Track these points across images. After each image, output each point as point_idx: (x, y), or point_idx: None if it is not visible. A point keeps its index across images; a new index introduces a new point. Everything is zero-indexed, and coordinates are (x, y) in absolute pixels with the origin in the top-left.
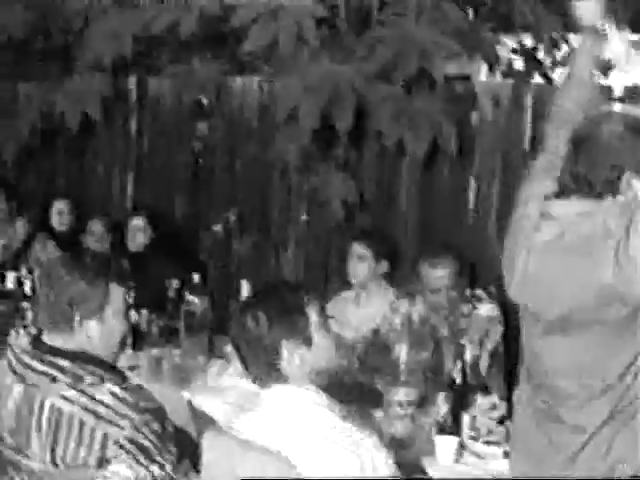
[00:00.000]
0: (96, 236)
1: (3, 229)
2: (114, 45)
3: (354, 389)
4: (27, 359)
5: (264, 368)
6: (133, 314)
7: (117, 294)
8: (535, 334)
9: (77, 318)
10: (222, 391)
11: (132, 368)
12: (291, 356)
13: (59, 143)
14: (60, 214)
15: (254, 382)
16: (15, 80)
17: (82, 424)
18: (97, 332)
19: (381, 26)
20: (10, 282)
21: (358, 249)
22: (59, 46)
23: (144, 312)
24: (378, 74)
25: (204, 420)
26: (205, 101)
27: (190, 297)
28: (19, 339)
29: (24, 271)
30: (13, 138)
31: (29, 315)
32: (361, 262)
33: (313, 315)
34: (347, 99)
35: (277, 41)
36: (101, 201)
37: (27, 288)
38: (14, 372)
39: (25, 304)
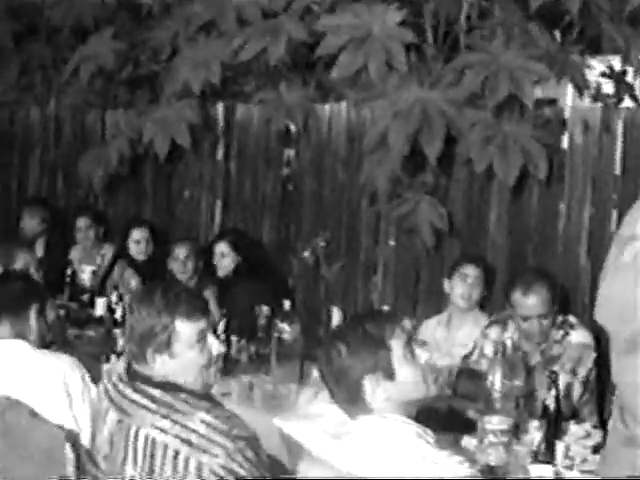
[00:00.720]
0: (180, 261)
1: (92, 256)
2: (203, 73)
3: (446, 417)
4: (122, 386)
5: (348, 400)
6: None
7: (183, 329)
8: (614, 355)
9: (149, 352)
10: (313, 419)
11: (223, 395)
12: (374, 391)
13: (147, 170)
14: (138, 243)
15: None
16: (104, 109)
17: (176, 453)
18: (171, 366)
19: (469, 51)
20: (100, 308)
21: (474, 271)
22: (147, 75)
23: (234, 339)
24: (467, 99)
25: (295, 448)
26: (293, 127)
27: (281, 324)
28: (115, 366)
29: (114, 297)
30: (102, 166)
31: (120, 342)
32: (476, 286)
33: (398, 349)
34: (436, 125)
35: (366, 67)
36: (189, 228)
37: (118, 314)
38: (110, 399)
39: (116, 330)
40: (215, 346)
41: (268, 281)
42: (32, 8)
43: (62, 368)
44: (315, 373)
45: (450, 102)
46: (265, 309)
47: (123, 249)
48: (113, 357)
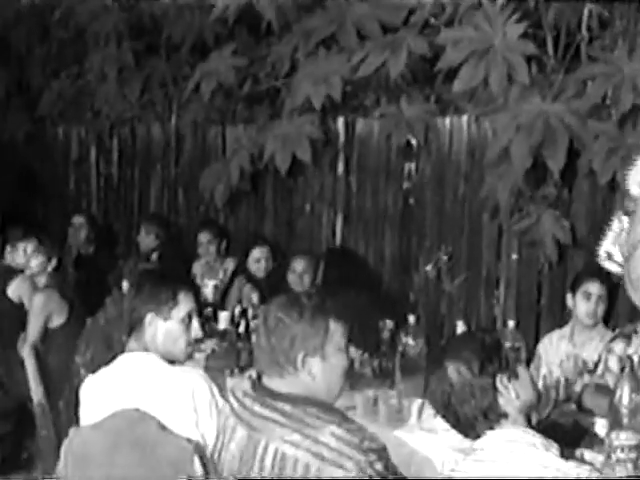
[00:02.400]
0: (297, 274)
1: (214, 270)
2: (323, 88)
3: (571, 432)
4: (249, 403)
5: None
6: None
7: (337, 330)
8: None
9: (300, 357)
10: (438, 433)
11: (347, 409)
12: (508, 391)
13: (268, 185)
14: (258, 261)
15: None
16: (224, 124)
17: (307, 467)
18: (320, 370)
19: (591, 61)
20: (223, 322)
21: (598, 288)
22: (267, 90)
23: (357, 352)
24: (590, 111)
25: (419, 461)
26: (413, 141)
27: (406, 338)
28: (241, 382)
29: (237, 311)
30: (223, 181)
31: (244, 356)
32: (601, 302)
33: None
34: (559, 137)
35: (486, 80)
36: (310, 242)
37: (241, 328)
38: (236, 416)
39: (240, 344)
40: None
41: (388, 295)
42: (152, 26)
43: (191, 382)
44: None
45: (573, 114)
46: (389, 323)
47: (243, 265)
48: (236, 371)
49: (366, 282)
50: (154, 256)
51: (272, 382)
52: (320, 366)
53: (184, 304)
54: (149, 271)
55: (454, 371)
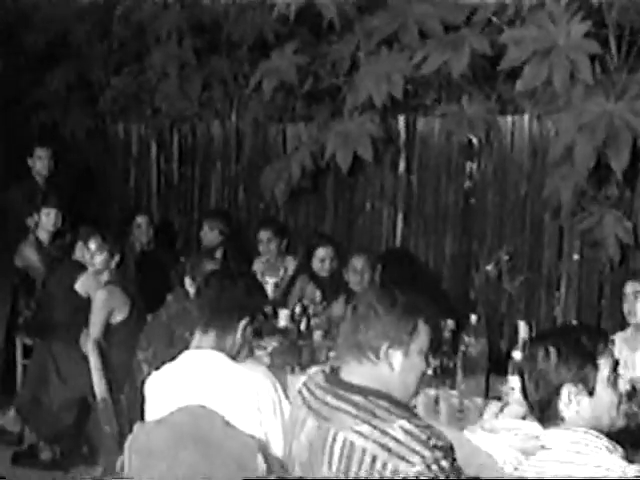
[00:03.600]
0: (357, 272)
1: (275, 268)
2: (385, 86)
3: (636, 435)
4: (321, 394)
5: (541, 403)
6: None
7: (424, 332)
8: None
9: (384, 347)
10: (499, 432)
11: None
12: (570, 401)
13: (328, 183)
14: (322, 261)
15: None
16: (285, 122)
17: (374, 458)
18: (400, 365)
19: None
20: (284, 320)
21: None
22: (327, 88)
23: None
24: None
25: (487, 461)
26: (475, 140)
27: (468, 338)
28: (315, 376)
29: (298, 309)
30: (284, 178)
31: (305, 353)
32: None
33: (604, 369)
34: (623, 137)
35: (550, 79)
36: (370, 240)
37: (302, 326)
38: (308, 407)
39: (301, 342)
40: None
41: (449, 294)
42: (213, 25)
43: (256, 380)
44: (502, 386)
45: (636, 114)
46: (450, 322)
47: (306, 265)
48: (297, 368)
49: (425, 283)
50: (218, 253)
51: (348, 371)
52: (401, 361)
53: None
54: (218, 270)
55: (544, 354)
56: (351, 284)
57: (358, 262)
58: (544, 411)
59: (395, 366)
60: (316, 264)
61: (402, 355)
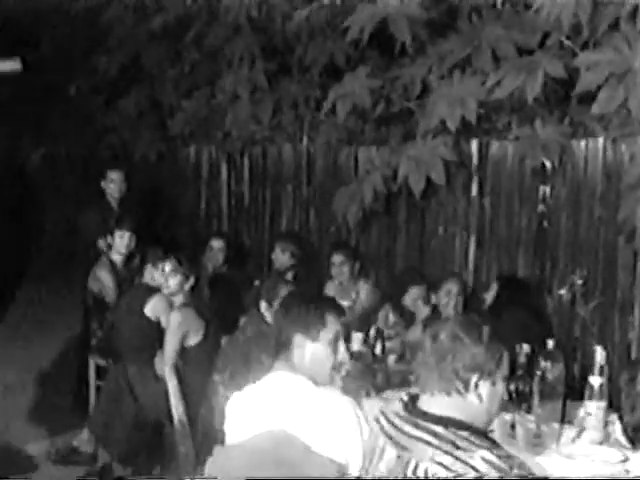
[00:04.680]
0: (452, 295)
1: (347, 291)
2: (458, 110)
3: None
4: (400, 423)
5: (637, 425)
6: None
7: (506, 359)
8: None
9: (474, 379)
10: (577, 459)
11: None
12: None
13: (400, 206)
14: (415, 300)
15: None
16: (356, 145)
17: None
18: (487, 393)
19: None
20: (356, 343)
21: None
22: (399, 111)
23: None
24: None
25: None
26: (548, 164)
27: (544, 363)
28: (392, 403)
29: (373, 332)
30: (356, 202)
31: (380, 377)
32: None
33: None
34: None
35: (625, 103)
36: (442, 264)
37: (377, 349)
38: (387, 435)
39: (376, 365)
40: None
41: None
42: (285, 48)
43: (338, 406)
44: (579, 412)
45: None
46: (525, 347)
47: (397, 300)
48: (372, 392)
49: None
50: (289, 275)
51: (431, 401)
52: (489, 390)
53: (331, 325)
54: (296, 292)
55: None
56: (441, 307)
57: (453, 286)
58: (638, 432)
59: (484, 397)
60: (409, 302)
61: (490, 385)
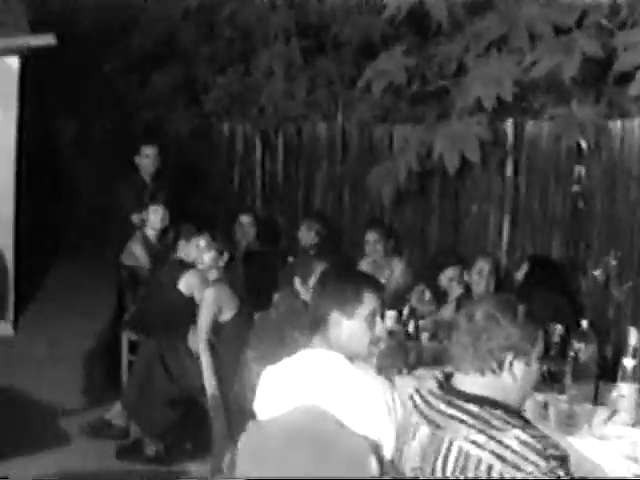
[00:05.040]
0: (484, 276)
1: (381, 269)
2: (494, 89)
3: None
4: (434, 401)
5: None
6: None
7: (541, 339)
8: None
9: (509, 358)
10: (609, 439)
11: None
12: None
13: (435, 185)
14: (451, 280)
15: None
16: (391, 123)
17: (490, 468)
18: (521, 372)
19: None
20: (389, 321)
21: None
22: (434, 90)
23: None
24: None
25: (596, 469)
26: (583, 144)
27: (578, 344)
28: (423, 381)
29: (406, 310)
30: (390, 180)
31: (412, 355)
32: None
33: None
34: None
35: None
36: (476, 244)
37: (410, 328)
38: (421, 413)
39: (409, 344)
40: None
41: (557, 298)
42: (320, 25)
43: (372, 385)
44: (611, 394)
45: None
46: (559, 327)
47: (431, 278)
48: (405, 370)
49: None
50: (311, 253)
51: (463, 379)
52: (523, 370)
53: (368, 302)
54: (332, 269)
55: None
56: (474, 286)
57: (485, 264)
58: None
59: (518, 376)
60: (445, 282)
61: (524, 365)
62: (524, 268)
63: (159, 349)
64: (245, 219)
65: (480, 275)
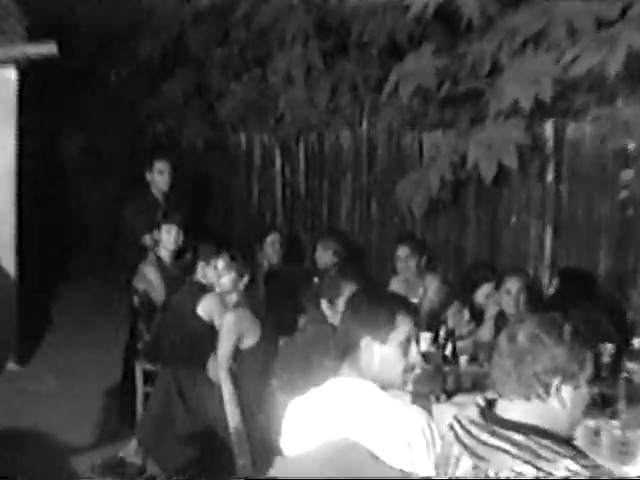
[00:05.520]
0: (513, 295)
1: (414, 287)
2: (532, 89)
3: None
4: (476, 431)
5: None
6: None
7: (590, 360)
8: None
9: (555, 382)
10: None
11: None
12: None
13: (469, 195)
14: (487, 297)
15: None
16: (421, 129)
17: None
18: (570, 397)
19: None
20: (424, 344)
21: None
22: (467, 92)
23: None
24: None
25: None
26: (631, 146)
27: (630, 364)
28: (463, 409)
29: (443, 332)
30: (421, 191)
31: (450, 380)
32: None
33: None
34: None
35: None
36: (516, 257)
37: (448, 351)
38: (462, 445)
39: (446, 368)
40: None
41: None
42: (341, 26)
43: (408, 416)
44: None
45: None
46: (610, 347)
47: (466, 296)
48: (443, 397)
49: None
50: (333, 273)
51: (506, 406)
52: (571, 395)
53: (402, 326)
54: (363, 290)
55: None
56: (505, 307)
57: (514, 285)
58: None
59: (567, 401)
60: (480, 299)
61: (572, 389)
62: (555, 283)
63: (176, 379)
64: (273, 238)
65: (509, 294)
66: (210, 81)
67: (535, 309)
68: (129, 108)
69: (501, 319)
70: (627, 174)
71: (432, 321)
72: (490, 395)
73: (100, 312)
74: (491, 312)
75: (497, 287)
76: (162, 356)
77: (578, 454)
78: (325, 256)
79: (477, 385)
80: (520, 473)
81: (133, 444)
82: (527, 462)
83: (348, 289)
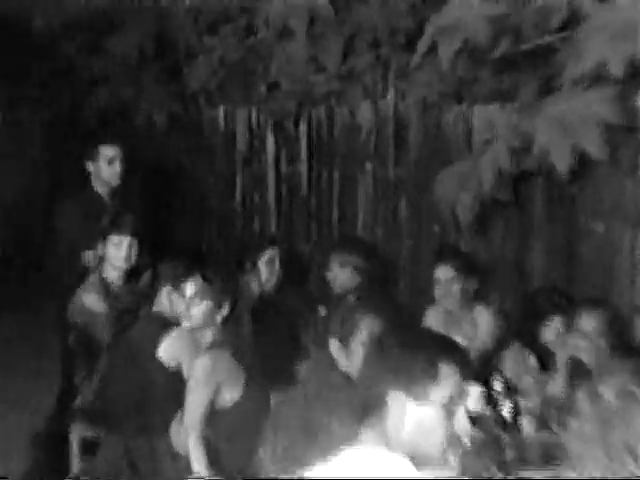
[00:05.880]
0: (589, 339)
1: (458, 321)
2: (625, 48)
3: None
4: None
5: None
6: None
7: None
8: None
9: None
10: None
11: None
12: None
13: (536, 192)
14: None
15: None
16: (469, 103)
17: None
18: None
19: None
20: (473, 401)
21: None
22: (534, 51)
23: None
24: None
25: None
26: None
27: None
28: None
29: (498, 385)
30: (470, 187)
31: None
32: None
33: None
34: None
35: None
36: (601, 278)
37: (505, 410)
38: None
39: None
40: None
41: None
42: None
43: None
44: None
45: None
46: None
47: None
48: (500, 475)
49: None
50: (352, 301)
51: None
52: None
53: (446, 379)
54: (390, 327)
55: None
56: (580, 352)
57: (589, 321)
58: None
59: None
60: (549, 337)
61: None
62: None
63: (127, 450)
64: (271, 256)
65: (584, 337)
66: (176, 34)
67: (627, 356)
68: (62, 71)
69: (579, 367)
70: None
71: (483, 369)
72: (565, 472)
73: (22, 356)
74: (564, 357)
75: (570, 324)
76: (107, 417)
77: None
78: (342, 276)
79: (549, 459)
80: None
81: None
82: None
83: (367, 324)
